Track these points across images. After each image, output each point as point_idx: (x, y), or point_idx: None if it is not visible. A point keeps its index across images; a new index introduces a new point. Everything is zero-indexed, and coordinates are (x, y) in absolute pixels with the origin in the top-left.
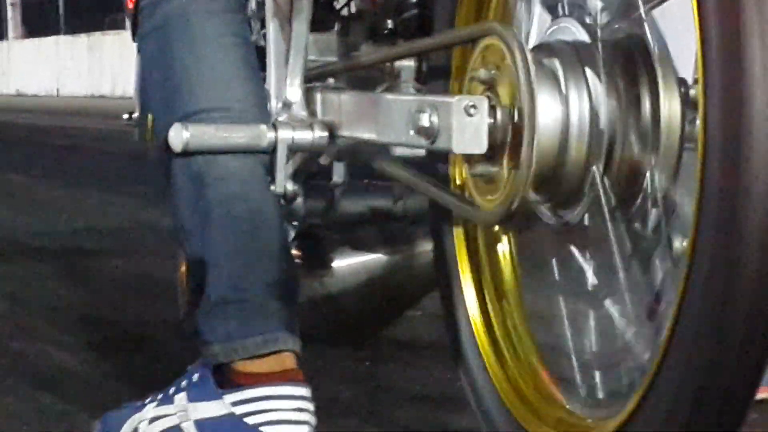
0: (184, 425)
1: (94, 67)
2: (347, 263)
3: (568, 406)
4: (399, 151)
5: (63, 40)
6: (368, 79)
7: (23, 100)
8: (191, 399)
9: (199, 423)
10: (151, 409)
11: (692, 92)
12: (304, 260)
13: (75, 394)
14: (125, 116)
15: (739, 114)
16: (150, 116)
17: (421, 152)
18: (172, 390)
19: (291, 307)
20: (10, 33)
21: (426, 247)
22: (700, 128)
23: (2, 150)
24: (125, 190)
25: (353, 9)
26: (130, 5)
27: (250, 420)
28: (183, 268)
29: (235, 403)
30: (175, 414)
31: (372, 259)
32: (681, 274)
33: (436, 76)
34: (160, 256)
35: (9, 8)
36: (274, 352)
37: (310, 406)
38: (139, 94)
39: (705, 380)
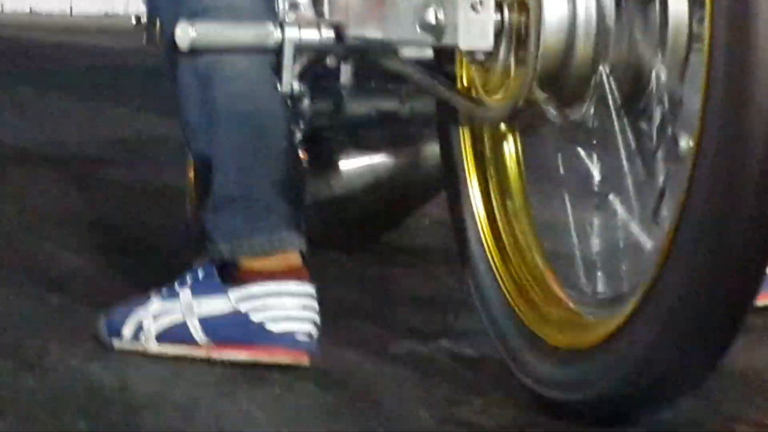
0: (188, 320)
1: None
2: (354, 165)
3: (571, 306)
4: (407, 52)
5: None
6: None
7: (37, 18)
8: (195, 294)
9: (203, 318)
10: (155, 304)
11: None
12: (310, 162)
13: (80, 293)
14: (133, 20)
15: (746, 12)
16: (158, 19)
17: (428, 53)
18: (176, 285)
19: (297, 207)
20: None
21: (432, 148)
22: (707, 26)
23: (15, 65)
24: (136, 104)
25: None
26: None
27: (254, 316)
28: (191, 172)
29: (239, 299)
30: (179, 309)
31: (378, 160)
32: (686, 172)
33: None
34: (168, 166)
35: None
36: (280, 251)
37: (315, 304)
38: None
39: (708, 279)
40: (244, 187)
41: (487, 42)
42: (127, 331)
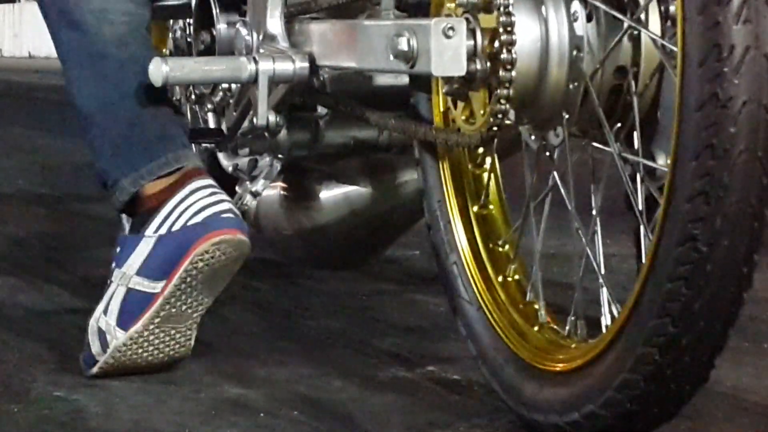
0: (130, 285)
1: None
2: (333, 194)
3: (556, 330)
4: (381, 81)
5: None
6: (350, 10)
7: (35, 62)
8: (120, 263)
9: (139, 270)
10: (99, 305)
11: (672, 9)
12: (289, 193)
13: (68, 325)
14: None
15: (718, 29)
16: None
17: (404, 82)
18: (108, 281)
19: (186, 136)
20: None
21: (411, 177)
22: (679, 42)
23: (9, 106)
24: None
25: None
26: None
27: (175, 228)
28: None
29: (156, 229)
30: (117, 286)
31: (357, 190)
32: (663, 194)
33: (417, 5)
34: None
35: None
36: (178, 168)
37: (221, 191)
38: None
39: (688, 303)
40: (135, 124)
41: (460, 68)
42: (95, 347)
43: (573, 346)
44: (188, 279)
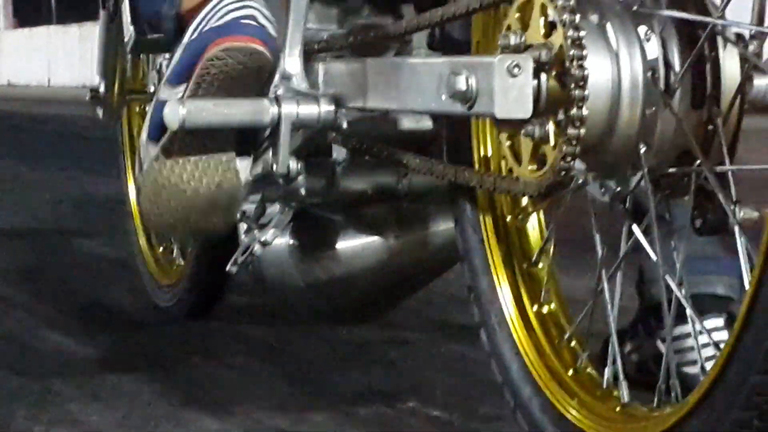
0: (159, 94)
1: (86, 58)
2: (348, 246)
3: (617, 396)
4: (406, 124)
5: (54, 30)
6: (373, 47)
7: (14, 90)
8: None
9: (168, 79)
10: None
11: (751, 48)
12: (303, 242)
13: (47, 359)
14: (88, 95)
15: None
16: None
17: (428, 124)
18: None
19: None
20: (1, 23)
21: (433, 227)
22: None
23: None
24: (112, 174)
25: None
26: None
27: (196, 35)
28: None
29: (188, 37)
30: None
31: (375, 240)
32: (760, 253)
33: (454, 43)
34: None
35: None
36: None
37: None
38: (102, 70)
39: None
40: None
41: (525, 109)
42: (137, 171)
43: (644, 412)
44: (203, 84)
